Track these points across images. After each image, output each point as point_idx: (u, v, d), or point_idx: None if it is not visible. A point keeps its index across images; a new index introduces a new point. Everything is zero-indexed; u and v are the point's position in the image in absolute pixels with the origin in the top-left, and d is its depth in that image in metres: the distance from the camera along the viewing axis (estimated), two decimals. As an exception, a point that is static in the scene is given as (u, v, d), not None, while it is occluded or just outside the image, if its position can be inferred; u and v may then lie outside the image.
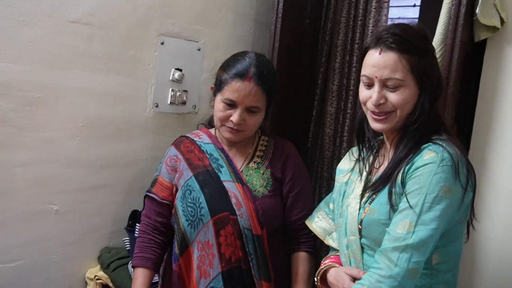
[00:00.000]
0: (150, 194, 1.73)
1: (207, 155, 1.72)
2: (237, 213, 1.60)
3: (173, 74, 2.16)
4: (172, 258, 1.68)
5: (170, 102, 2.17)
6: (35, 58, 1.73)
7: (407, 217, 1.22)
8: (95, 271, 2.00)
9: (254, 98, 1.62)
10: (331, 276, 1.45)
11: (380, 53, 1.29)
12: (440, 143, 1.27)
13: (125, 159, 2.06)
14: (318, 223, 1.63)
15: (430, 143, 1.28)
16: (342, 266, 1.46)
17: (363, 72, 1.34)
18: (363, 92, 1.36)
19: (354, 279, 1.35)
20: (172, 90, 2.17)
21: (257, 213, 1.63)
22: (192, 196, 1.64)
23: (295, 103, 2.63)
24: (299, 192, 1.74)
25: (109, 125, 1.99)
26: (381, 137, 1.48)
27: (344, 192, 1.49)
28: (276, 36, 2.29)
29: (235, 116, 1.62)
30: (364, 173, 1.45)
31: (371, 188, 1.36)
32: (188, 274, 1.64)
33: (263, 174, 1.71)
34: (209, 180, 1.65)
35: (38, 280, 1.87)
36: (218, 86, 1.67)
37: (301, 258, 1.71)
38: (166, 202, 1.72)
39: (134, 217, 2.09)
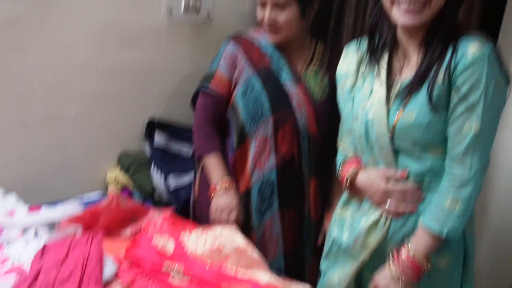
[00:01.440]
0: (207, 90, 1.76)
1: (267, 56, 1.74)
2: (297, 114, 1.68)
3: (187, -20, 2.10)
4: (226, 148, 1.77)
5: (184, 9, 2.11)
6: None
7: (471, 117, 1.20)
8: (115, 173, 2.07)
9: None
10: (361, 180, 1.42)
11: None
12: (474, 36, 1.22)
13: (139, 66, 2.07)
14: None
15: (465, 37, 1.22)
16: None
17: None
18: None
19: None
20: (186, -4, 2.12)
21: (315, 115, 1.71)
22: (254, 93, 1.70)
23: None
24: None
25: (122, 31, 1.98)
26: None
27: (352, 96, 1.43)
28: None
29: (266, 15, 1.65)
30: (383, 75, 1.35)
31: (405, 91, 1.29)
32: (242, 166, 1.74)
33: (320, 80, 1.75)
34: (270, 79, 1.71)
35: (61, 182, 1.95)
36: None
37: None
38: (224, 98, 1.75)
39: (151, 125, 2.14)
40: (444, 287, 1.35)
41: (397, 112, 1.29)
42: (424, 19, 1.24)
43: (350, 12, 2.55)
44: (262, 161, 1.71)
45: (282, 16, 1.66)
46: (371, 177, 1.39)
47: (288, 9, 1.65)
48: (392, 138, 1.30)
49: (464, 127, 1.21)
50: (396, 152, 1.33)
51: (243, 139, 1.73)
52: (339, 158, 1.55)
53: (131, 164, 2.06)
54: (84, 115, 1.96)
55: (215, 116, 1.77)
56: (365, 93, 1.39)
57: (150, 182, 2.03)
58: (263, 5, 1.67)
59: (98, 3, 1.89)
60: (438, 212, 1.25)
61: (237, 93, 1.72)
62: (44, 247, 1.39)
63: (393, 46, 1.37)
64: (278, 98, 1.69)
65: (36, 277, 1.26)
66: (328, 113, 1.71)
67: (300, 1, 1.66)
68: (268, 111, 1.69)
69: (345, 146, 1.54)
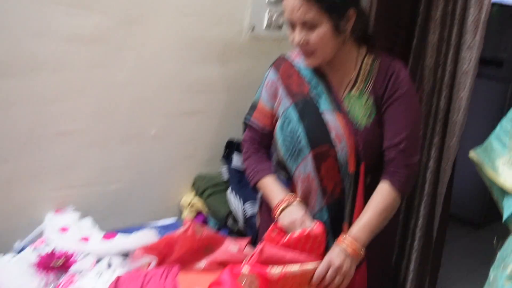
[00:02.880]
0: (249, 123, 1.62)
1: (306, 81, 1.56)
2: (337, 147, 1.48)
3: (270, -6, 2.01)
4: None
5: (266, 26, 2.04)
6: (133, -26, 1.66)
7: None
8: (190, 197, 1.99)
9: (299, 11, 1.41)
10: None
11: None
12: None
13: (221, 84, 1.99)
14: (505, 173, 1.34)
15: None
16: None
17: None
18: None
19: None
20: (269, 13, 2.03)
21: (356, 148, 1.49)
22: (290, 127, 1.52)
23: (394, 32, 2.43)
24: (399, 112, 1.52)
25: (205, 47, 1.91)
26: None
27: None
28: None
29: (295, 37, 1.45)
30: None
31: None
32: None
33: (365, 102, 1.52)
34: (308, 110, 1.52)
35: (136, 203, 1.89)
36: None
37: (380, 188, 1.52)
38: (267, 130, 1.60)
39: (230, 146, 2.06)
40: None
41: None
42: None
43: (435, 29, 2.44)
44: (310, 202, 1.54)
45: (313, 36, 1.44)
46: None
47: (319, 27, 1.43)
48: None
49: None
50: None
51: (288, 176, 1.59)
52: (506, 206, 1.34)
53: (207, 188, 1.98)
54: (163, 134, 1.89)
55: (263, 147, 1.64)
56: None
57: (224, 206, 1.94)
58: (292, 26, 1.46)
59: (181, 20, 1.83)
60: None
61: (277, 126, 1.57)
62: (117, 279, 1.32)
63: None
64: (317, 131, 1.51)
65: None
66: (376, 139, 1.51)
67: (331, 16, 1.43)
68: (307, 147, 1.50)
69: None
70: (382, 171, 1.52)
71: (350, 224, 1.50)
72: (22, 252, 1.51)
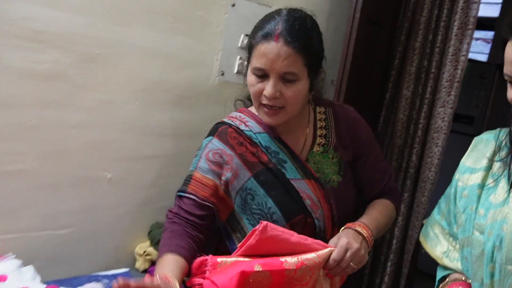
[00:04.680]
0: (186, 194, 1.37)
1: (262, 149, 1.40)
2: (314, 215, 1.37)
3: (242, 41, 1.97)
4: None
5: (237, 71, 2.00)
6: (98, 11, 1.58)
7: None
8: (145, 246, 1.87)
9: (285, 61, 1.25)
10: None
11: None
12: None
13: (185, 129, 1.90)
14: (434, 242, 1.29)
15: None
16: None
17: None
18: (509, 92, 1.05)
19: None
20: (240, 58, 1.99)
21: (332, 215, 1.40)
22: (256, 202, 1.35)
23: (367, 83, 2.43)
24: (375, 161, 1.50)
25: (170, 91, 1.83)
26: None
27: (479, 197, 1.14)
28: (357, 6, 2.07)
29: (267, 89, 1.28)
30: None
31: None
32: None
33: (332, 158, 1.42)
34: (272, 180, 1.37)
35: (87, 250, 1.75)
36: (248, 55, 1.35)
37: (380, 200, 1.50)
38: (208, 203, 1.36)
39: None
40: None
41: None
42: None
43: (409, 84, 2.44)
44: None
45: (290, 91, 1.30)
46: None
47: (298, 82, 1.30)
48: None
49: None
50: None
51: None
52: (438, 272, 1.27)
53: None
54: (120, 179, 1.78)
55: (198, 223, 1.36)
56: (498, 198, 1.10)
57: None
58: (263, 75, 1.29)
59: (147, 61, 1.75)
60: None
61: (236, 203, 1.38)
62: None
63: None
64: (289, 202, 1.36)
65: None
66: (351, 195, 1.46)
67: (311, 72, 1.33)
68: (282, 219, 1.34)
69: (447, 253, 1.25)
70: None
71: None
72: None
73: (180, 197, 1.39)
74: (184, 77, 1.86)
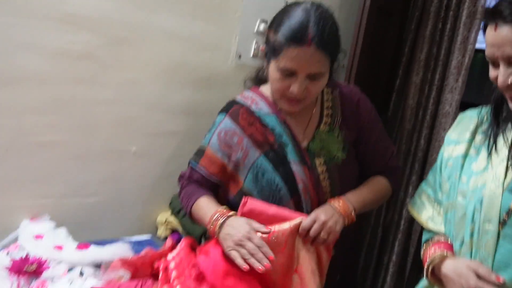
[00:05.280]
0: (196, 168, 1.53)
1: (269, 130, 1.49)
2: (303, 199, 1.47)
3: (258, 26, 2.10)
4: None
5: (253, 55, 2.12)
6: (126, -4, 1.73)
7: None
8: (166, 215, 2.02)
9: (317, 64, 1.33)
10: (447, 268, 1.21)
11: (495, 29, 1.09)
12: None
13: (203, 108, 2.03)
14: (420, 208, 1.42)
15: None
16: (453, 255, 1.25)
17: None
18: (490, 72, 1.16)
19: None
20: (256, 42, 2.12)
21: (319, 201, 1.48)
22: (266, 178, 1.46)
23: (378, 70, 2.52)
24: (378, 138, 1.59)
25: (191, 72, 1.98)
26: None
27: (462, 166, 1.26)
28: (367, -5, 2.18)
29: (295, 87, 1.36)
30: (503, 152, 1.18)
31: None
32: None
33: (337, 136, 1.52)
34: (278, 159, 1.47)
35: (113, 217, 1.91)
36: (272, 51, 1.37)
37: (376, 177, 1.59)
38: (214, 180, 1.52)
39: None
40: None
41: None
42: None
43: (419, 70, 2.52)
44: None
45: (316, 87, 1.39)
46: (459, 267, 1.17)
47: (323, 77, 1.40)
48: (504, 224, 1.12)
49: None
50: (503, 242, 1.13)
51: None
52: (424, 235, 1.39)
53: (182, 208, 2.00)
54: (143, 153, 1.92)
55: (204, 189, 1.54)
56: (479, 166, 1.21)
57: (199, 227, 1.95)
58: (291, 74, 1.36)
59: (170, 43, 1.89)
60: None
61: (246, 179, 1.48)
62: (91, 289, 1.33)
63: None
64: (291, 180, 1.46)
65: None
66: (354, 173, 1.56)
67: (332, 66, 1.42)
68: (287, 195, 1.46)
69: (432, 218, 1.37)
70: None
71: None
72: (-4, 255, 1.53)
73: (192, 168, 1.55)
74: (203, 59, 1.99)
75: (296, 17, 1.33)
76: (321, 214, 1.36)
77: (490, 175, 1.17)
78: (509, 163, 1.15)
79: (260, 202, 1.40)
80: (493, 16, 1.09)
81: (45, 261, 1.48)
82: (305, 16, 1.32)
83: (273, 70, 1.38)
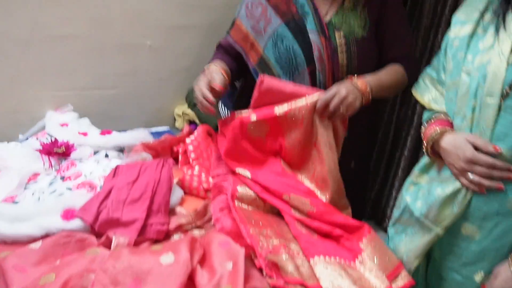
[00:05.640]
0: (227, 37, 1.65)
1: (293, 1, 1.56)
2: (318, 68, 1.53)
3: None
4: None
5: None
6: None
7: None
8: (183, 108, 2.08)
9: None
10: (446, 142, 1.23)
11: None
12: None
13: (218, 1, 2.03)
14: (423, 90, 1.42)
15: None
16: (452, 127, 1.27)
17: None
18: None
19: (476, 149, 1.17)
20: None
21: (334, 74, 1.54)
22: (285, 44, 1.54)
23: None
24: (399, 25, 1.60)
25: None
26: None
27: (468, 45, 1.25)
28: None
29: None
30: (511, 28, 1.16)
31: None
32: None
33: (360, 14, 1.56)
34: (298, 29, 1.54)
35: (132, 108, 1.99)
36: None
37: (391, 65, 1.60)
38: (237, 47, 1.61)
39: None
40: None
41: None
42: None
43: None
44: None
45: None
46: (457, 140, 1.21)
47: None
48: (506, 97, 1.14)
49: None
50: (504, 114, 1.16)
51: None
52: (425, 115, 1.42)
53: (199, 101, 2.06)
54: (158, 47, 1.96)
55: (228, 56, 1.65)
56: (486, 44, 1.20)
57: (214, 119, 2.02)
58: None
59: None
60: None
61: (266, 46, 1.56)
62: (116, 167, 1.42)
63: None
64: (308, 49, 1.52)
65: (108, 194, 1.29)
66: (372, 50, 1.59)
67: None
68: (303, 63, 1.53)
69: (434, 99, 1.39)
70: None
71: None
72: (26, 141, 1.63)
73: (225, 37, 1.68)
74: None
75: None
76: (342, 89, 1.40)
77: (496, 51, 1.17)
78: None
79: (277, 80, 1.45)
80: None
81: (72, 144, 1.57)
82: None
83: None
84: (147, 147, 1.57)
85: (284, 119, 1.39)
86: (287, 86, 1.43)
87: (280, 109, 1.40)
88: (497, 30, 1.19)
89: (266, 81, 1.42)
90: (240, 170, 1.41)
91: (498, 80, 1.15)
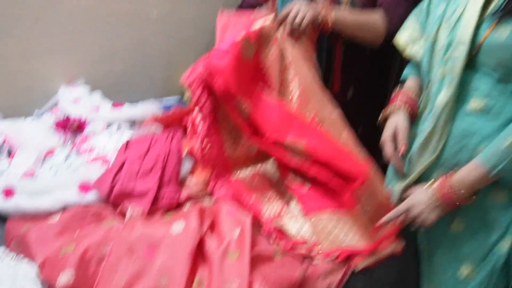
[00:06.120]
0: None
1: None
2: None
3: None
4: None
5: None
6: None
7: None
8: (192, 78, 2.11)
9: None
10: (389, 121, 1.37)
11: None
12: None
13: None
14: (404, 29, 1.44)
15: None
16: (412, 104, 1.36)
17: None
18: None
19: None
20: None
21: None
22: None
23: None
24: None
25: None
26: None
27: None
28: None
29: None
30: None
31: (503, 7, 1.13)
32: None
33: None
34: None
35: (142, 80, 2.02)
36: None
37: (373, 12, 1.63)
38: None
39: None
40: (495, 225, 1.21)
41: (489, 27, 1.15)
42: None
43: None
44: None
45: None
46: (390, 126, 1.35)
47: None
48: (476, 55, 1.18)
49: None
50: (472, 70, 1.20)
51: None
52: (404, 71, 1.45)
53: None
54: (164, 18, 1.97)
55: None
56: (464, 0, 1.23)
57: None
58: None
59: None
60: (494, 150, 1.12)
61: None
62: (128, 142, 1.48)
63: None
64: None
65: (120, 167, 1.36)
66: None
67: None
68: None
69: (412, 39, 1.41)
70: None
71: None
72: (42, 116, 1.70)
73: None
74: None
75: None
76: (298, 4, 1.46)
77: (472, 2, 1.19)
78: None
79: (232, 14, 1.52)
80: None
81: (85, 119, 1.63)
82: None
83: None
84: (157, 119, 1.62)
85: (260, 36, 1.42)
86: (242, 16, 1.49)
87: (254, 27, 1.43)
88: None
89: (221, 17, 1.50)
90: (241, 102, 1.39)
91: (466, 35, 1.17)
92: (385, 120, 1.40)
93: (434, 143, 1.25)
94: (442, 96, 1.23)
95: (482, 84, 1.19)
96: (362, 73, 1.76)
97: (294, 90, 1.44)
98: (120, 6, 1.85)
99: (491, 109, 1.17)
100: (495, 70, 1.16)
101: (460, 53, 1.19)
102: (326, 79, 1.68)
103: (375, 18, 1.59)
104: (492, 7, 1.16)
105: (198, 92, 1.42)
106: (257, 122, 1.38)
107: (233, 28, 1.49)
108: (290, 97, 1.44)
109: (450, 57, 1.22)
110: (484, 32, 1.16)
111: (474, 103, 1.20)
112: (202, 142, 1.43)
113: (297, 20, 1.44)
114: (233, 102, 1.37)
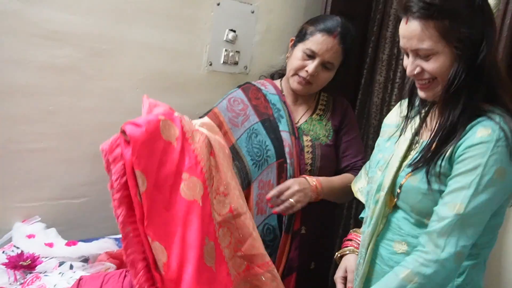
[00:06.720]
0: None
1: (271, 105, 1.85)
2: (288, 161, 1.75)
3: (227, 35, 2.24)
4: None
5: (223, 62, 2.27)
6: (103, 12, 1.88)
7: (458, 198, 1.16)
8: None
9: (333, 54, 1.75)
10: (343, 261, 1.55)
11: (406, 23, 1.20)
12: (494, 117, 1.17)
13: (179, 111, 2.11)
14: (358, 179, 1.69)
15: (483, 118, 1.18)
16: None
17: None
18: (404, 61, 1.29)
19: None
20: (226, 50, 2.26)
21: (301, 169, 1.76)
22: (258, 139, 1.79)
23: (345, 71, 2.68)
24: (353, 139, 1.88)
25: (166, 79, 2.12)
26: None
27: (385, 146, 1.45)
28: (328, 1, 2.35)
29: (311, 67, 1.74)
30: (408, 133, 1.37)
31: (419, 157, 1.28)
32: None
33: (325, 125, 1.85)
34: (272, 128, 1.80)
35: (99, 216, 2.04)
36: (302, 37, 1.79)
37: (344, 174, 1.85)
38: None
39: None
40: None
41: (408, 170, 1.31)
42: (437, 93, 1.26)
43: (381, 70, 2.69)
44: (263, 206, 1.76)
45: (324, 75, 1.79)
46: (343, 265, 1.53)
47: (331, 71, 1.80)
48: (398, 196, 1.32)
49: (448, 206, 1.17)
50: (396, 212, 1.35)
51: (247, 184, 1.79)
52: (361, 215, 1.61)
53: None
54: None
55: None
56: (395, 145, 1.40)
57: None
58: (310, 56, 1.75)
59: (146, 54, 2.04)
60: (392, 279, 1.20)
61: (240, 137, 1.81)
62: (80, 279, 1.47)
63: (431, 105, 1.38)
64: (278, 145, 1.78)
65: (71, 307, 1.34)
66: (332, 155, 1.84)
67: (339, 68, 1.82)
68: (273, 156, 1.76)
69: (361, 190, 1.63)
70: None
71: (287, 232, 1.73)
72: (-7, 254, 1.67)
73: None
74: (177, 67, 2.15)
75: (331, 19, 1.79)
76: (295, 184, 1.65)
77: (396, 153, 1.37)
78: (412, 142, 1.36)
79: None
80: (405, 10, 1.21)
81: (38, 256, 1.62)
82: (337, 21, 1.77)
83: (298, 51, 1.79)
84: (111, 256, 1.63)
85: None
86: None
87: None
88: (399, 136, 1.40)
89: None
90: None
91: (389, 178, 1.34)
92: (341, 257, 1.56)
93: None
94: (366, 234, 1.39)
95: (403, 225, 1.33)
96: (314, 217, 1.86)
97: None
98: (81, 147, 1.94)
99: (414, 248, 1.27)
100: (411, 212, 1.31)
101: (382, 196, 1.35)
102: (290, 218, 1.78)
103: (350, 178, 1.79)
104: (409, 159, 1.33)
105: (111, 158, 1.32)
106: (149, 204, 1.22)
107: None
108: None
109: (378, 200, 1.36)
110: (403, 179, 1.31)
111: (398, 244, 1.34)
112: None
113: (294, 200, 1.63)
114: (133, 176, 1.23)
